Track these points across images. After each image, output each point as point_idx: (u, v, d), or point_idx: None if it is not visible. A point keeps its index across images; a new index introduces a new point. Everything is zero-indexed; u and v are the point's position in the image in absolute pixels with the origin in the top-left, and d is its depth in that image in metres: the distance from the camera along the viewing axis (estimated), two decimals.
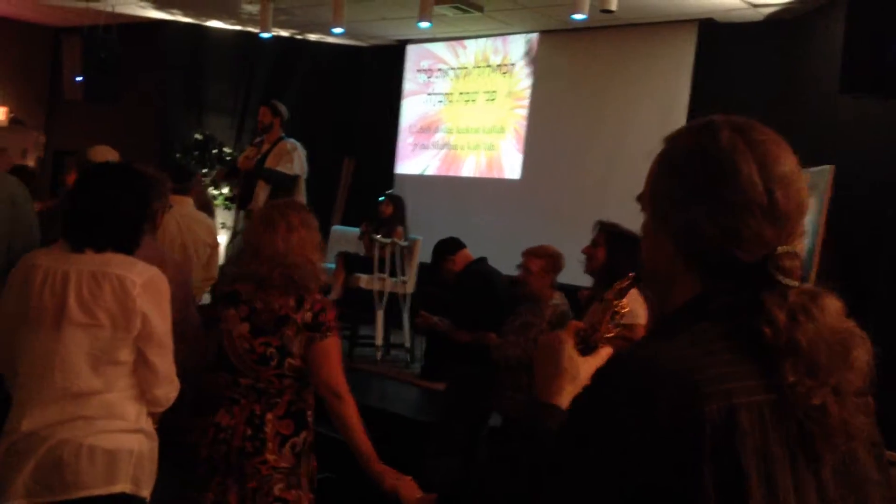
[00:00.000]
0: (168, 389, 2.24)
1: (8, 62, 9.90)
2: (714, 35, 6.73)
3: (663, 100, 6.98)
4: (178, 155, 8.55)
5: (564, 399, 1.13)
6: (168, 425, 2.52)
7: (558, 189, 7.48)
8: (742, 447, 0.88)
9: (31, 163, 9.55)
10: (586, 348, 1.18)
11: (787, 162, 1.00)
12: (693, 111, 6.79)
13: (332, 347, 2.57)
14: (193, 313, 2.85)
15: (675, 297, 1.03)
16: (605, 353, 1.17)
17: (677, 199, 1.02)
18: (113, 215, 2.18)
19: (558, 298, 3.99)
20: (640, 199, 1.10)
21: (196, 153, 8.79)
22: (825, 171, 4.99)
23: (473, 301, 4.41)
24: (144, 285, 2.14)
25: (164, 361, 2.20)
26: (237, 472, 2.51)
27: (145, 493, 2.20)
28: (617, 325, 1.19)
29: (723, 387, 0.89)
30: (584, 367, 1.15)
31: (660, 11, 6.69)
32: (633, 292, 3.13)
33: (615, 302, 1.19)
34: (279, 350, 2.52)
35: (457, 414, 4.36)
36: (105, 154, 3.53)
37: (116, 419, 2.12)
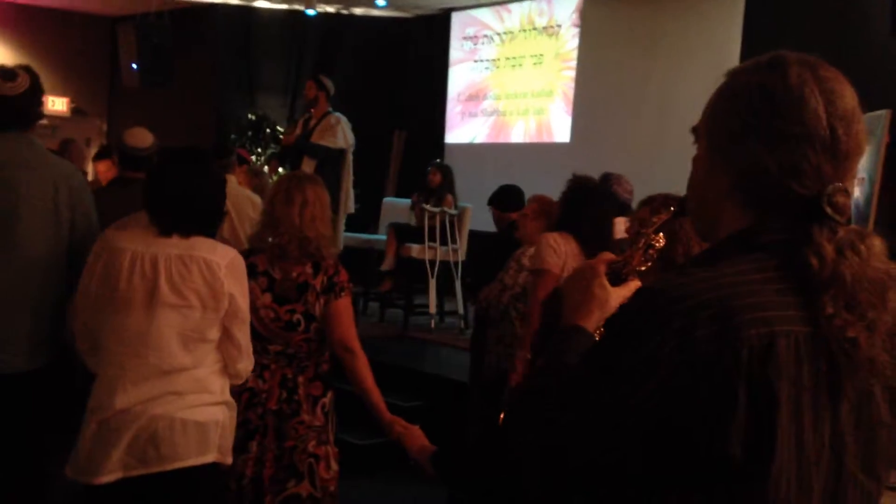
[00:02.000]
0: (248, 363, 2.37)
1: (68, 53, 10.21)
2: None
3: (714, 54, 6.82)
4: (232, 136, 8.73)
5: (592, 324, 1.16)
6: None
7: (609, 150, 7.38)
8: (777, 375, 0.90)
9: (93, 150, 9.87)
10: (616, 280, 1.20)
11: (851, 100, 1.00)
12: (744, 62, 6.62)
13: (345, 306, 2.76)
14: None
15: (721, 230, 1.04)
16: (634, 285, 1.19)
17: (738, 132, 1.01)
18: (198, 201, 2.27)
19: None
20: (694, 130, 1.11)
21: (250, 133, 8.97)
22: (881, 116, 4.84)
23: (491, 262, 4.23)
24: (228, 266, 2.25)
25: (246, 337, 2.34)
26: (274, 432, 2.69)
27: (229, 459, 2.34)
28: (649, 258, 1.21)
29: (764, 314, 0.92)
30: (613, 297, 1.18)
31: None
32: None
33: (651, 235, 1.20)
34: (305, 316, 2.71)
35: (474, 377, 4.31)
36: (143, 136, 3.61)
37: (204, 393, 2.24)
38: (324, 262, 2.73)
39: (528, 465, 1.05)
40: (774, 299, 0.94)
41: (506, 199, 4.58)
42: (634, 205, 3.67)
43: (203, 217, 2.29)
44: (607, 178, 4.43)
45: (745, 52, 6.64)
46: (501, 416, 1.26)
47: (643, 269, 1.22)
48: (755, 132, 1.00)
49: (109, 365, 2.21)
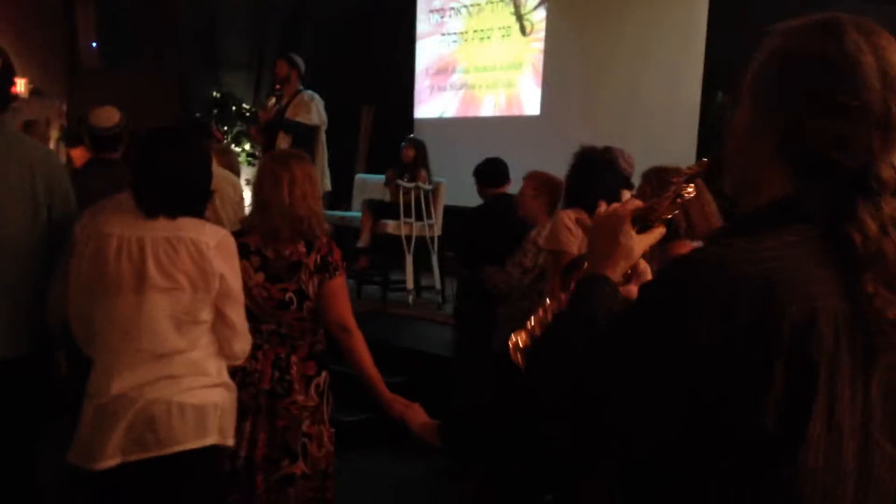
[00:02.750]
0: (244, 343, 2.34)
1: (23, 32, 9.90)
2: None
3: (682, 22, 6.84)
4: (198, 115, 8.58)
5: (618, 273, 1.16)
6: None
7: (579, 122, 7.38)
8: (818, 352, 0.90)
9: (53, 132, 9.64)
10: (642, 228, 1.19)
11: None
12: (711, 33, 6.67)
13: (340, 285, 2.74)
14: None
15: (760, 196, 1.02)
16: (658, 232, 1.19)
17: (787, 97, 0.99)
18: (184, 181, 2.23)
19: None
20: (735, 92, 1.09)
21: (216, 111, 8.83)
22: None
23: (480, 235, 4.30)
24: (217, 246, 2.21)
25: (240, 317, 2.30)
26: (267, 412, 2.68)
27: (231, 441, 2.32)
28: (676, 206, 1.19)
29: (806, 289, 0.91)
30: (638, 245, 1.17)
31: None
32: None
33: (682, 184, 1.18)
34: (297, 294, 2.67)
35: (463, 351, 4.33)
36: (109, 115, 3.53)
37: (201, 376, 2.21)
38: (317, 240, 2.69)
39: (555, 414, 1.05)
40: (816, 273, 0.93)
41: (487, 172, 4.58)
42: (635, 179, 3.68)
43: (192, 198, 2.25)
44: (609, 150, 4.42)
45: (712, 19, 6.68)
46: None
47: (669, 216, 1.20)
48: (805, 99, 0.97)
49: (104, 350, 2.18)
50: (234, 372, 2.58)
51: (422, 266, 6.53)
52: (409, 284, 6.33)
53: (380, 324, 5.94)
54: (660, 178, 2.68)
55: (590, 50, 7.45)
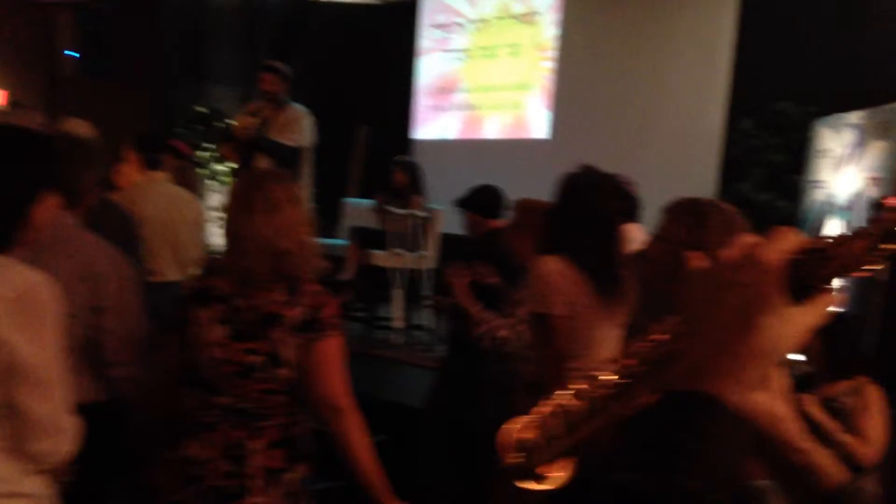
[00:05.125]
0: (53, 442, 1.61)
1: (2, 42, 9.44)
2: None
3: (703, 48, 6.35)
4: (180, 130, 8.04)
5: (744, 388, 0.62)
6: (124, 462, 2.09)
7: (592, 147, 6.81)
8: None
9: None
10: (799, 290, 0.62)
11: None
12: (740, 55, 6.12)
13: (333, 351, 2.06)
14: (136, 316, 2.27)
15: None
16: (825, 302, 0.62)
17: None
18: None
19: None
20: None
21: (201, 127, 8.29)
22: None
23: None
24: (17, 301, 1.53)
25: (44, 405, 1.57)
26: None
27: None
28: (878, 258, 0.60)
29: None
30: (794, 324, 0.61)
31: None
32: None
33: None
34: (268, 358, 2.01)
35: (438, 410, 3.60)
36: (77, 129, 3.00)
37: None
38: (304, 286, 2.05)
39: None
40: None
41: (484, 202, 3.90)
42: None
43: None
44: (603, 174, 3.74)
45: (741, 38, 6.15)
46: None
47: (861, 272, 0.60)
48: None
49: None
50: (173, 463, 2.01)
51: (413, 302, 5.90)
52: (398, 322, 5.69)
53: (362, 368, 5.29)
54: (703, 215, 1.87)
55: (605, 71, 6.93)
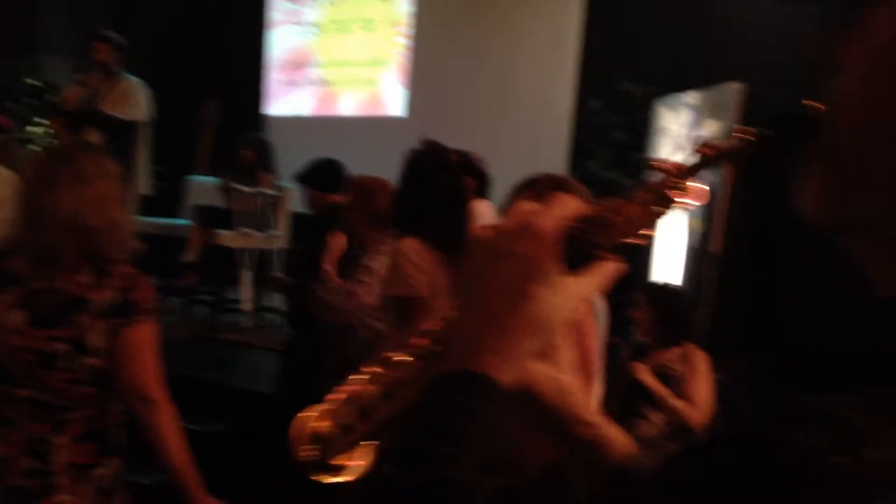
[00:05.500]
0: None
1: None
2: None
3: (554, 23, 6.50)
4: (8, 104, 7.43)
5: (516, 366, 0.56)
6: None
7: (447, 125, 6.80)
8: None
9: None
10: (577, 258, 0.58)
11: None
12: (587, 35, 6.28)
13: (145, 338, 1.94)
14: None
15: None
16: (606, 268, 0.59)
17: None
18: None
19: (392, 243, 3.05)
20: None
21: (34, 101, 7.71)
22: (736, 90, 4.51)
23: (312, 253, 3.43)
24: None
25: None
26: None
27: None
28: (657, 216, 0.61)
29: None
30: (567, 298, 0.58)
31: None
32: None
33: (674, 179, 0.60)
34: (72, 345, 1.88)
35: (284, 395, 3.49)
36: None
37: None
38: (114, 267, 1.91)
39: None
40: None
41: (323, 177, 3.79)
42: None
43: None
44: (451, 151, 3.70)
45: (586, 26, 6.31)
46: None
47: (633, 240, 0.59)
48: None
49: None
50: None
51: (263, 283, 5.71)
52: (247, 304, 5.49)
53: (209, 353, 5.08)
54: (551, 192, 1.89)
55: (459, 49, 6.93)
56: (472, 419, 0.53)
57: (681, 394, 3.11)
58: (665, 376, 3.16)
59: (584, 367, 1.77)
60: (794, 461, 0.33)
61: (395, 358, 0.67)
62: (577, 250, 0.58)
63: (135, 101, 5.33)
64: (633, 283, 2.50)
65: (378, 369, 0.67)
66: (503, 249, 0.57)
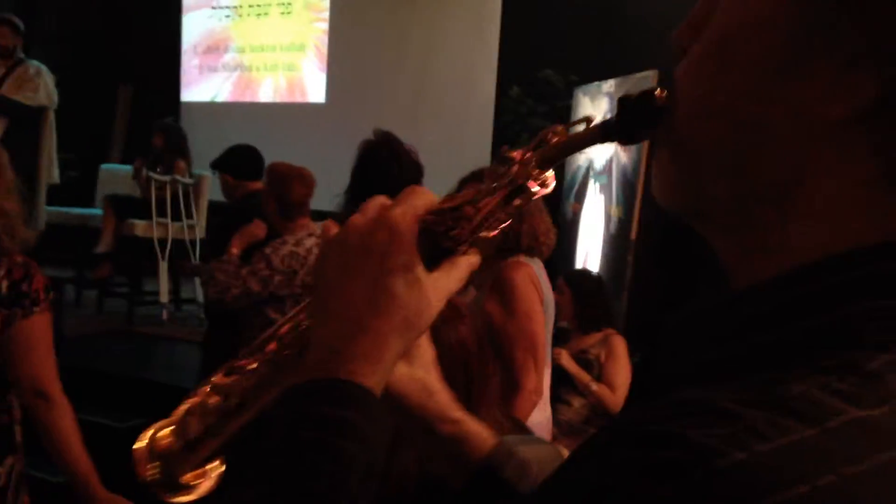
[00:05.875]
0: None
1: None
2: None
3: (475, 9, 6.47)
4: None
5: (380, 371, 0.53)
6: None
7: (368, 112, 6.74)
8: None
9: None
10: (435, 253, 0.57)
11: None
12: (507, 21, 6.29)
13: (38, 329, 1.86)
14: None
15: (796, 230, 0.42)
16: (467, 262, 0.57)
17: None
18: None
19: (301, 234, 2.93)
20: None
21: None
22: (648, 77, 4.58)
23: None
24: None
25: None
26: None
27: None
28: (510, 214, 0.58)
29: None
30: (432, 297, 0.55)
31: None
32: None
33: (534, 168, 0.57)
34: None
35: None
36: None
37: None
38: (4, 257, 1.83)
39: None
40: None
41: (239, 164, 3.71)
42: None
43: None
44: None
45: (506, 12, 6.32)
46: None
47: (493, 233, 0.57)
48: None
49: None
50: None
51: (182, 273, 5.55)
52: (164, 297, 5.33)
53: (125, 347, 4.92)
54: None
55: (379, 35, 6.85)
56: (349, 434, 0.49)
57: (601, 379, 3.17)
58: (586, 361, 3.21)
59: (532, 352, 1.77)
60: (691, 461, 0.32)
61: (242, 364, 0.63)
62: (435, 244, 0.56)
63: (36, 85, 5.11)
64: (555, 270, 2.53)
65: (221, 378, 0.63)
66: (357, 245, 0.54)
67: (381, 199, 0.56)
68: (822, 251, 0.40)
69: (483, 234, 0.56)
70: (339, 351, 0.52)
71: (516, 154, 0.56)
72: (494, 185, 0.56)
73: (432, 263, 0.55)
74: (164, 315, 5.32)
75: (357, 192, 2.57)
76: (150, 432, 0.65)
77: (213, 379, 0.64)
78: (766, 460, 0.32)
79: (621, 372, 3.18)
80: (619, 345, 3.24)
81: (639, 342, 3.52)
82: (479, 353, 1.19)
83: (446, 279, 0.55)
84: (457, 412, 0.66)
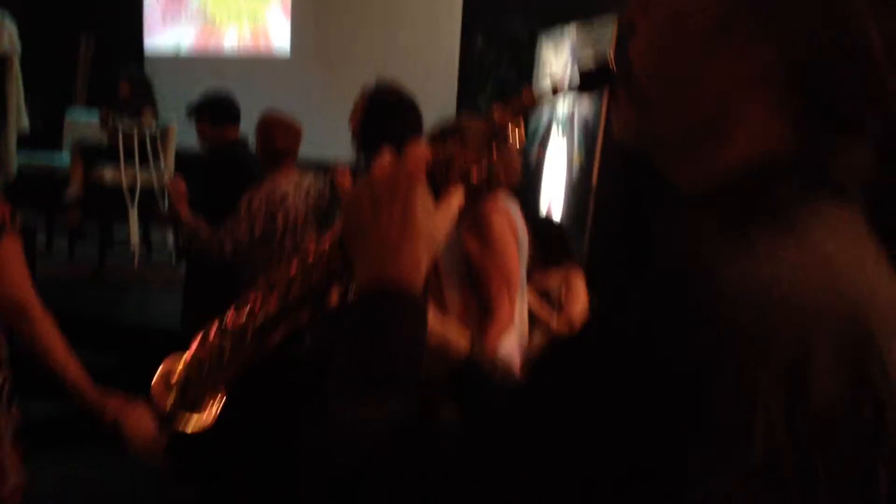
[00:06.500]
0: None
1: None
2: None
3: None
4: None
5: (419, 279, 0.68)
6: None
7: (332, 62, 6.79)
8: None
9: None
10: (435, 192, 0.73)
11: None
12: None
13: (8, 252, 1.91)
14: None
15: (726, 149, 0.58)
16: (455, 202, 0.73)
17: None
18: None
19: (294, 180, 3.09)
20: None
21: None
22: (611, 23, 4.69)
23: (215, 191, 3.42)
24: None
25: None
26: None
27: None
28: (490, 157, 0.73)
29: None
30: (441, 223, 0.72)
31: None
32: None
33: (511, 120, 0.71)
34: None
35: (185, 331, 3.52)
36: None
37: None
38: None
39: None
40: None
41: (216, 111, 3.75)
42: None
43: None
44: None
45: None
46: None
47: (476, 177, 0.73)
48: None
49: None
50: None
51: (151, 220, 5.61)
52: (134, 243, 5.39)
53: (97, 293, 4.99)
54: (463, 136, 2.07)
55: None
56: (408, 322, 0.65)
57: (561, 313, 3.34)
58: (546, 296, 3.37)
59: (507, 284, 1.96)
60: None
61: (255, 303, 0.74)
62: (434, 186, 0.72)
63: (4, 35, 5.06)
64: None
65: (237, 316, 0.74)
66: (384, 192, 0.69)
67: (389, 156, 0.71)
68: (742, 165, 0.57)
69: (469, 173, 0.73)
70: (386, 269, 0.67)
71: (495, 111, 0.70)
72: (477, 133, 0.72)
73: (435, 200, 0.71)
74: (135, 262, 5.40)
75: (367, 143, 2.69)
76: (166, 366, 0.76)
77: (223, 317, 0.75)
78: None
79: (580, 308, 3.35)
80: (579, 283, 3.41)
81: (598, 281, 3.70)
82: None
83: (447, 210, 0.72)
84: (437, 326, 0.82)
